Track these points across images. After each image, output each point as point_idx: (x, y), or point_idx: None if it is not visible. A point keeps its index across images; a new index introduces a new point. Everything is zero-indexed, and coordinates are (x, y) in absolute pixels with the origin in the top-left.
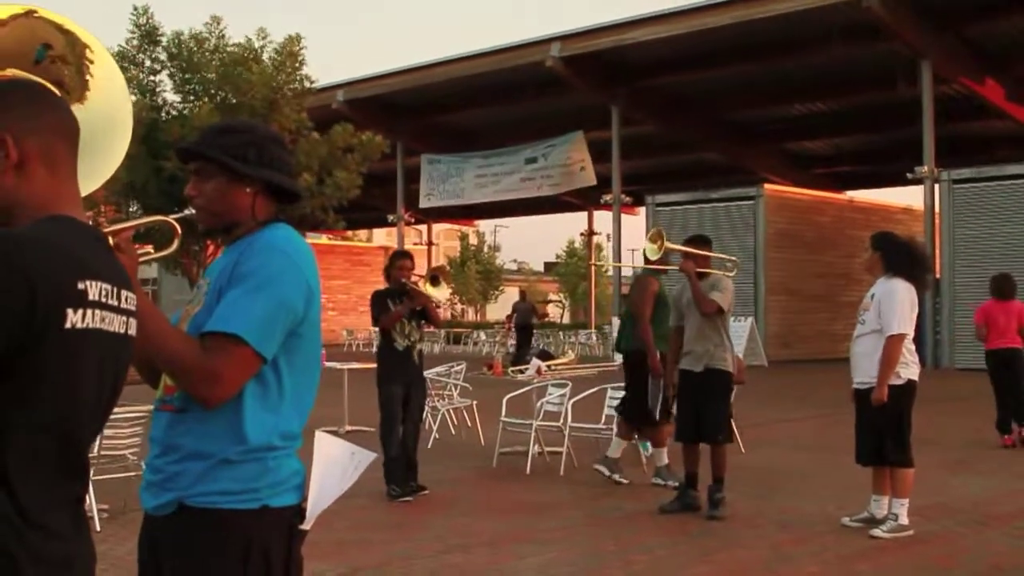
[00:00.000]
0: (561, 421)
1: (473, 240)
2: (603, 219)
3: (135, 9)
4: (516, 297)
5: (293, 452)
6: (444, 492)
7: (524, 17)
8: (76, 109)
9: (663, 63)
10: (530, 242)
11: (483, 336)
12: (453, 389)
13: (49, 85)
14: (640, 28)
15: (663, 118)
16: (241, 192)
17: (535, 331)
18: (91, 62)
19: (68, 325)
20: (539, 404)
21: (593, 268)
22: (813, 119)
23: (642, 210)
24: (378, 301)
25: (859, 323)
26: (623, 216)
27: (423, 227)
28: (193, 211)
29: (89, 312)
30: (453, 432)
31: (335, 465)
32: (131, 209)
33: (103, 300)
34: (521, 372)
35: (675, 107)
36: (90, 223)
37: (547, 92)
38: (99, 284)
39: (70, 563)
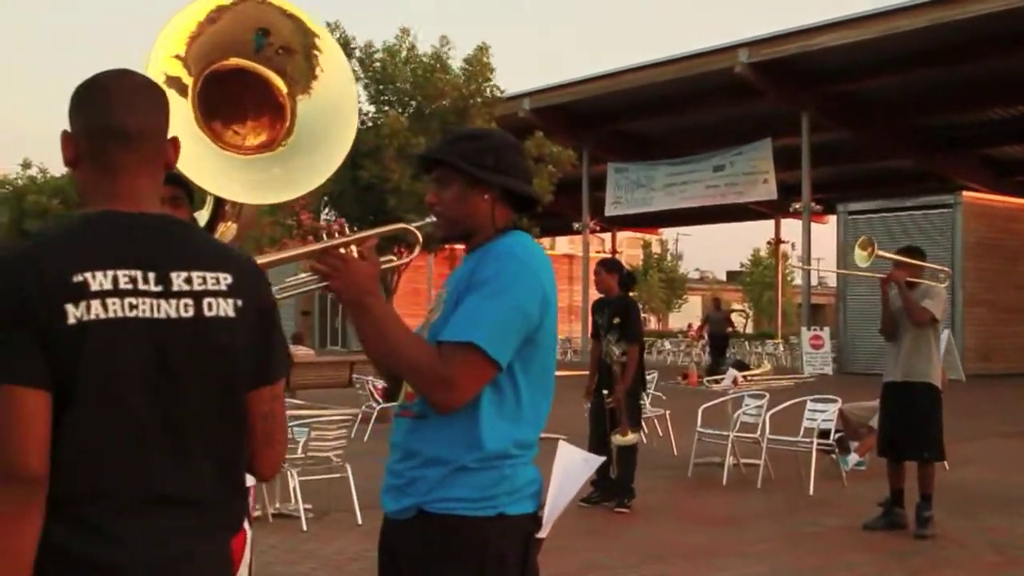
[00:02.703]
0: (758, 433)
1: (656, 248)
2: (790, 227)
3: (328, 24)
4: (700, 306)
5: (530, 460)
6: (641, 501)
7: (710, 24)
8: (301, 100)
9: (854, 68)
10: (713, 250)
11: (667, 345)
12: (645, 398)
13: (163, 82)
14: (829, 33)
15: (854, 124)
16: (479, 198)
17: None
18: (319, 51)
19: (71, 320)
20: (735, 415)
21: (780, 278)
22: (1013, 124)
23: (831, 218)
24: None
25: None
26: (812, 224)
27: (607, 235)
28: (433, 219)
29: (96, 303)
30: (645, 441)
31: (571, 472)
32: (326, 217)
33: (122, 287)
34: (716, 382)
35: (866, 113)
36: (152, 213)
37: (735, 99)
38: (113, 272)
39: (116, 571)
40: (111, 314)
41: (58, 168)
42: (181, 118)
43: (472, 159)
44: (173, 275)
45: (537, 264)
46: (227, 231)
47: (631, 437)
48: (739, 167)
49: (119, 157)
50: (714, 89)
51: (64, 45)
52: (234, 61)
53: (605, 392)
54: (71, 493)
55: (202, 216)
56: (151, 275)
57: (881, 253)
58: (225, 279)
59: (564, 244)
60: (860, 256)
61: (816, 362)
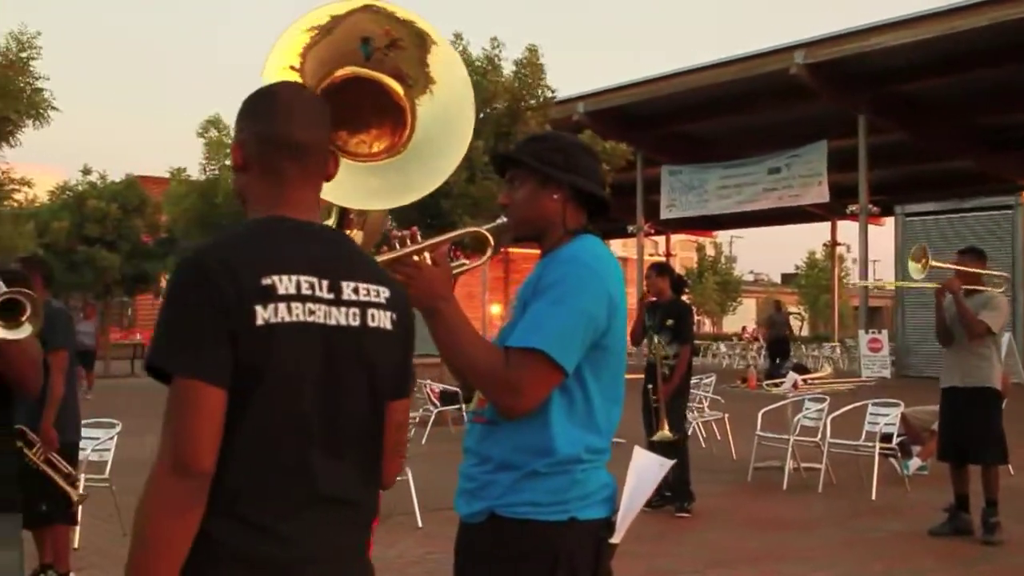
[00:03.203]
0: (819, 436)
1: (710, 251)
2: (846, 229)
3: None
4: (754, 309)
5: (602, 465)
6: (701, 505)
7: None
8: (420, 102)
9: (911, 68)
10: (767, 252)
11: (723, 348)
12: (703, 401)
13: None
14: (887, 33)
15: (912, 125)
16: (549, 198)
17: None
18: (433, 53)
19: (260, 321)
20: (795, 419)
21: (837, 281)
22: None
23: (888, 220)
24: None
25: None
26: (869, 227)
27: (661, 238)
28: (503, 220)
29: (283, 306)
30: (703, 445)
31: (645, 476)
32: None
33: (304, 293)
34: (776, 385)
35: (924, 113)
36: (320, 223)
37: (790, 100)
38: (295, 278)
39: (284, 570)
40: (294, 317)
41: (117, 174)
42: None
43: (542, 158)
44: (343, 284)
45: (603, 268)
46: (354, 238)
47: (667, 433)
48: (795, 169)
49: (290, 168)
50: (769, 91)
51: (121, 53)
52: (349, 70)
53: (651, 387)
54: (239, 491)
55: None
56: (325, 282)
57: (935, 264)
58: (384, 292)
59: (618, 247)
60: (914, 268)
61: (874, 365)
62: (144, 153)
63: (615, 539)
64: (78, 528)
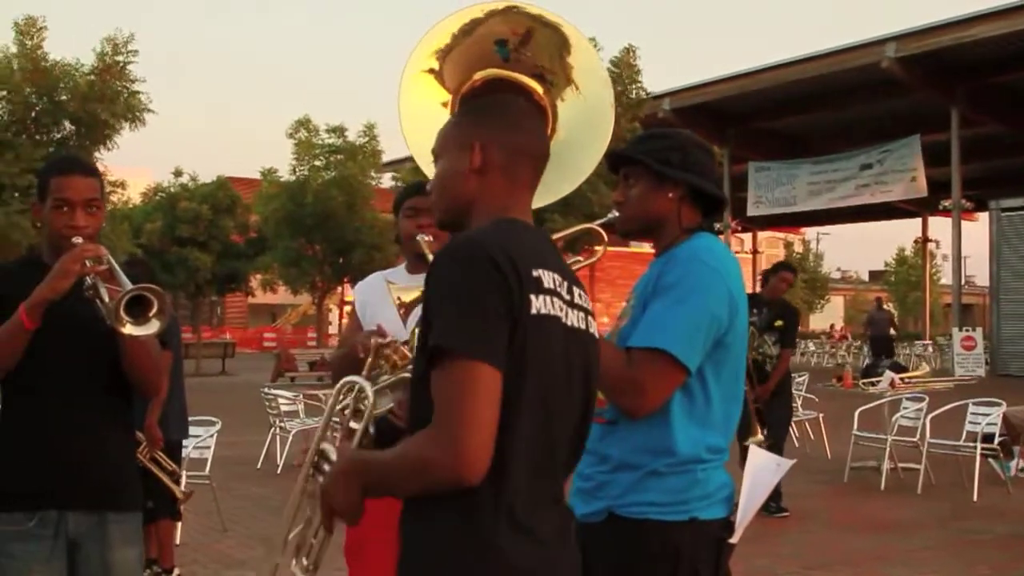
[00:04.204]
0: (918, 436)
1: (797, 248)
2: (937, 225)
3: None
4: (842, 307)
5: (721, 464)
6: (796, 505)
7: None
8: (565, 102)
9: (1007, 60)
10: (853, 249)
11: (811, 346)
12: (797, 400)
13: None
14: (981, 24)
15: (1007, 118)
16: (664, 196)
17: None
18: (573, 54)
19: (534, 310)
20: (893, 418)
21: (928, 278)
22: None
23: (982, 216)
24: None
25: None
26: (963, 222)
27: (747, 235)
28: (615, 214)
29: (547, 299)
30: (797, 445)
31: (762, 476)
32: None
33: (556, 290)
34: (873, 384)
35: (1020, 106)
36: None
37: (881, 94)
38: (551, 275)
39: (540, 572)
40: (556, 311)
41: (208, 175)
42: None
43: (657, 156)
44: (573, 288)
45: (723, 266)
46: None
47: (760, 437)
48: (888, 164)
49: (526, 176)
50: (859, 85)
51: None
52: (488, 72)
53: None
54: (506, 489)
55: None
56: (564, 283)
57: None
58: (588, 300)
59: None
60: None
61: (968, 364)
62: (234, 154)
63: (734, 539)
64: (180, 524)
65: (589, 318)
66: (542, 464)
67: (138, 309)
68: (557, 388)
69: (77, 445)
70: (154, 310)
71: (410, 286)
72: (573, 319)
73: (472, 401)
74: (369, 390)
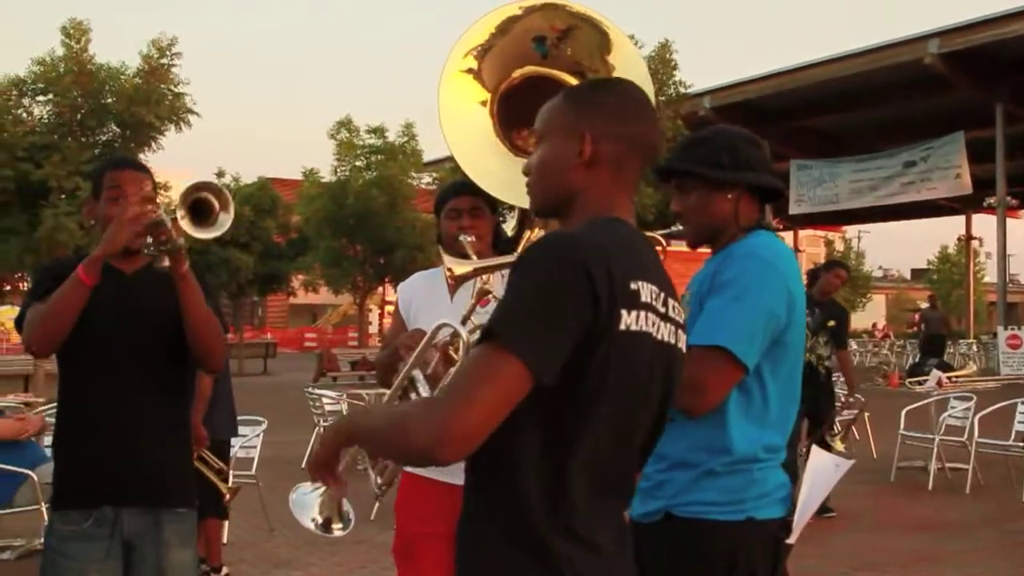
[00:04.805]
0: (966, 436)
1: (838, 246)
2: (981, 222)
3: None
4: (884, 305)
5: (778, 464)
6: (843, 505)
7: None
8: None
9: None
10: (894, 247)
11: (854, 345)
12: (840, 399)
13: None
14: None
15: None
16: (722, 200)
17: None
18: (613, 50)
19: (623, 326)
20: (940, 418)
21: (972, 276)
22: None
23: None
24: None
25: None
26: (1007, 220)
27: (788, 233)
28: (680, 228)
29: (642, 314)
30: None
31: (821, 476)
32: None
33: (652, 303)
34: (919, 383)
35: None
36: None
37: (923, 91)
38: (649, 287)
39: None
40: (649, 327)
41: (249, 176)
42: (479, 130)
43: (708, 162)
44: (669, 300)
45: (782, 263)
46: (535, 238)
47: (839, 445)
48: (931, 162)
49: (634, 170)
50: (901, 82)
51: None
52: (528, 70)
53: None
54: (564, 507)
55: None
56: (661, 295)
57: None
58: (683, 314)
59: None
60: None
61: (1013, 362)
62: (276, 154)
63: (791, 539)
64: (226, 523)
65: (679, 331)
66: (607, 481)
67: (201, 217)
68: (635, 406)
69: (133, 442)
70: (216, 211)
71: (463, 260)
72: (664, 333)
73: (482, 387)
74: (464, 333)
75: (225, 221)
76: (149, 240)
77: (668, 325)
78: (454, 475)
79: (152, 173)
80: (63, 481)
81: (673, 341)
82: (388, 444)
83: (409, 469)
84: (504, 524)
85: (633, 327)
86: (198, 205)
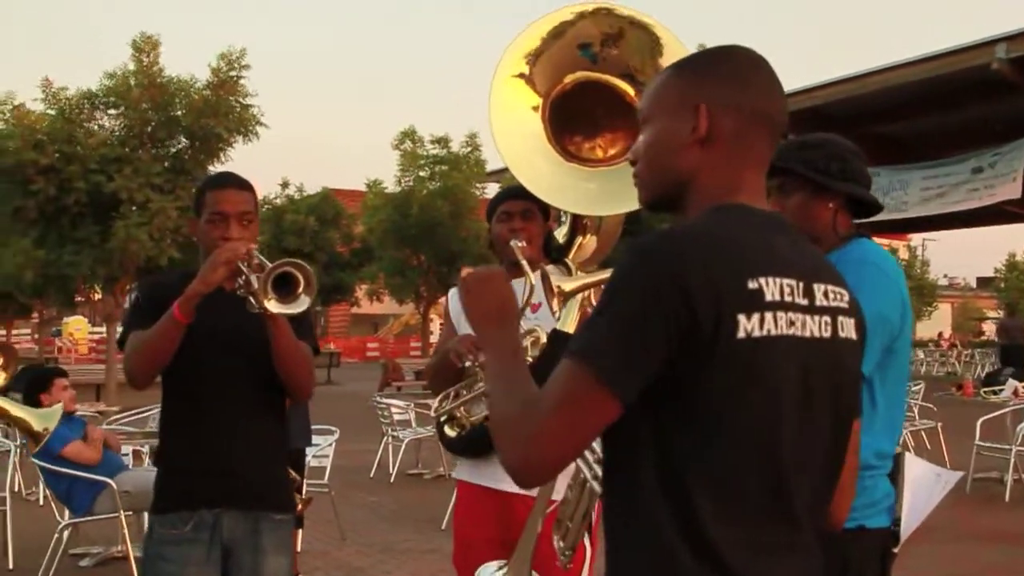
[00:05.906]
0: None
1: (903, 254)
2: None
3: None
4: (950, 314)
5: (886, 472)
6: None
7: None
8: None
9: None
10: (960, 256)
11: (920, 354)
12: (913, 409)
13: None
14: None
15: None
16: (823, 206)
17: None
18: (665, 55)
19: (742, 334)
20: (1018, 428)
21: None
22: None
23: None
24: None
25: None
26: None
27: None
28: None
29: (768, 316)
30: (915, 455)
31: (922, 486)
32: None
33: (785, 299)
34: (995, 393)
35: None
36: (776, 212)
37: (991, 96)
38: (780, 281)
39: None
40: (778, 330)
41: (313, 187)
42: (531, 135)
43: (817, 167)
44: (815, 287)
45: (894, 271)
46: (587, 244)
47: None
48: (1000, 168)
49: (761, 148)
50: (969, 87)
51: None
52: (580, 75)
53: None
54: (710, 534)
55: (561, 231)
56: (800, 285)
57: None
58: (845, 295)
59: None
60: None
61: None
62: (339, 165)
63: (897, 548)
64: (300, 531)
65: (840, 318)
66: (762, 506)
67: (285, 289)
68: (785, 419)
69: (233, 449)
70: (302, 286)
71: (571, 277)
72: (813, 327)
73: (569, 414)
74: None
75: (304, 302)
76: (241, 281)
77: (819, 317)
78: (507, 482)
79: (254, 188)
80: (164, 486)
81: (830, 333)
82: (497, 412)
83: (461, 478)
84: (647, 558)
85: (757, 333)
86: (284, 277)
